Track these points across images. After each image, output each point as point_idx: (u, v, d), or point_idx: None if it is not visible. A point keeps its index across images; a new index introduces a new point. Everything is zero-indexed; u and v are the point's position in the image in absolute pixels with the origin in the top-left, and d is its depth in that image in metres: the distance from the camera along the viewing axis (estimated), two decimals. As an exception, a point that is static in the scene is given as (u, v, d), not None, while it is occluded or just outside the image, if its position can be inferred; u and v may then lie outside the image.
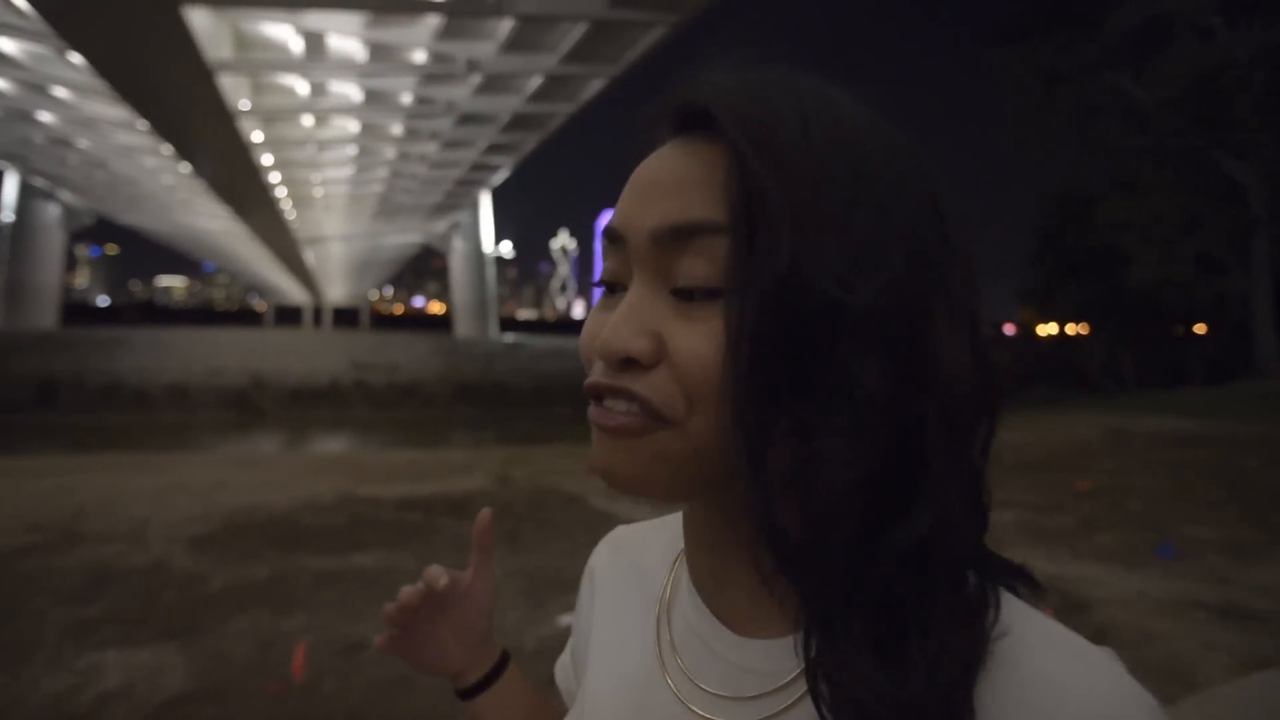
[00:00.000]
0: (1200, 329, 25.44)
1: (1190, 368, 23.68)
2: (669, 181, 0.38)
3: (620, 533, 0.59)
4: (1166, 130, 18.72)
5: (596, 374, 0.39)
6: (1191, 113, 18.04)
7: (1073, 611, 3.46)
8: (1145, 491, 6.25)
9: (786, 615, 0.39)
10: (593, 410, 0.40)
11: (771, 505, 0.35)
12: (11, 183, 32.70)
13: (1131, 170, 19.62)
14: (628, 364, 0.38)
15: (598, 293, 0.43)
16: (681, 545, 0.50)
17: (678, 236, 0.37)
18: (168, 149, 20.12)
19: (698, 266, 0.37)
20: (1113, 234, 19.38)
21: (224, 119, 16.32)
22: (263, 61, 15.88)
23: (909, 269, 0.36)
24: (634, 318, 0.38)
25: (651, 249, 0.38)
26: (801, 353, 0.35)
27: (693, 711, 0.43)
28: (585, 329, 0.41)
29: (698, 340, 0.37)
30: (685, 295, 0.38)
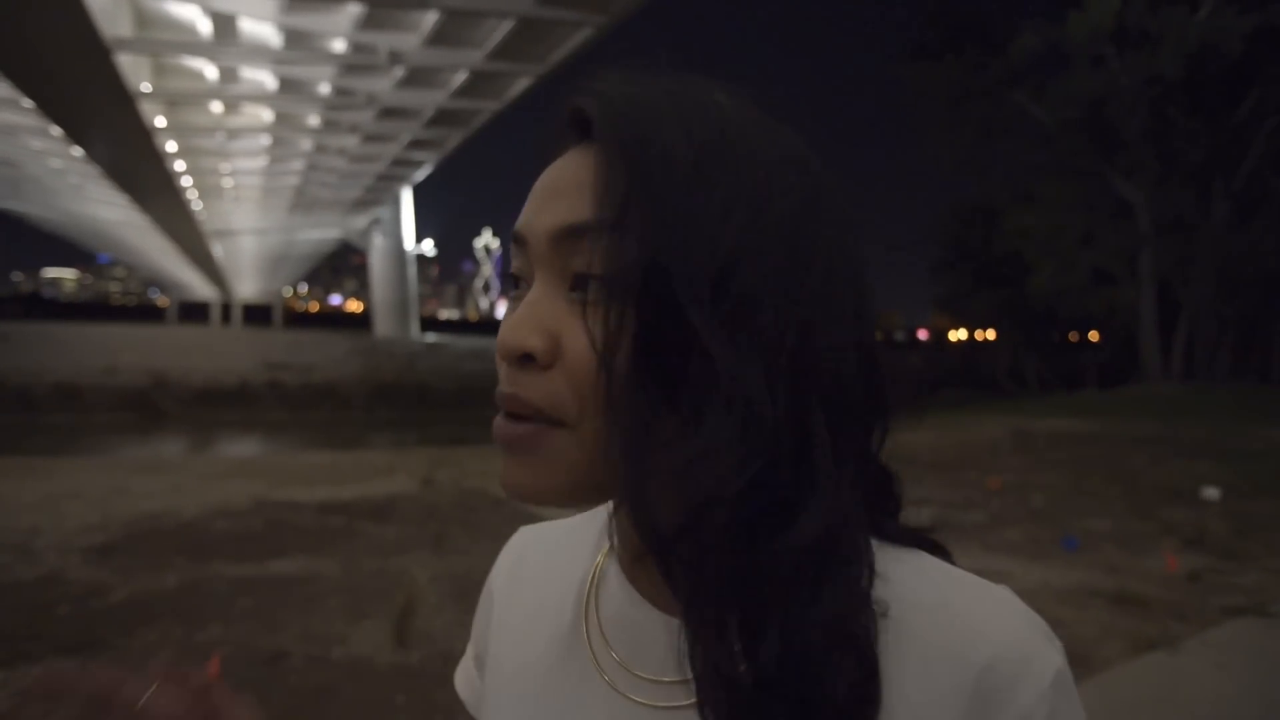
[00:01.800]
0: (1094, 336, 27.31)
1: (1085, 372, 25.39)
2: (562, 186, 0.40)
3: (526, 534, 0.58)
4: (1064, 149, 20.04)
5: (502, 383, 0.40)
6: (1086, 133, 19.38)
7: (986, 601, 3.64)
8: (1047, 488, 6.65)
9: None
10: (496, 424, 0.40)
11: (648, 507, 0.36)
12: (-127, 161, 29.67)
13: (1034, 185, 20.92)
14: (526, 361, 0.39)
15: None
16: (601, 538, 0.51)
17: (569, 236, 0.38)
18: (57, 131, 18.71)
19: (587, 259, 0.38)
20: (1017, 244, 20.59)
21: (123, 101, 15.31)
22: (167, 42, 15.00)
23: (788, 266, 0.37)
24: (531, 315, 0.39)
25: (549, 250, 0.39)
26: (677, 351, 0.35)
27: (633, 701, 0.43)
28: (500, 329, 0.42)
29: (586, 338, 0.37)
30: (580, 286, 0.38)
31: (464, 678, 0.58)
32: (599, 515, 0.53)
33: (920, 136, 22.48)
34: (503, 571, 0.56)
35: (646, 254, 0.35)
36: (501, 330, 0.39)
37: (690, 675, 0.37)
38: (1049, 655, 0.37)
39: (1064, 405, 14.76)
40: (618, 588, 0.46)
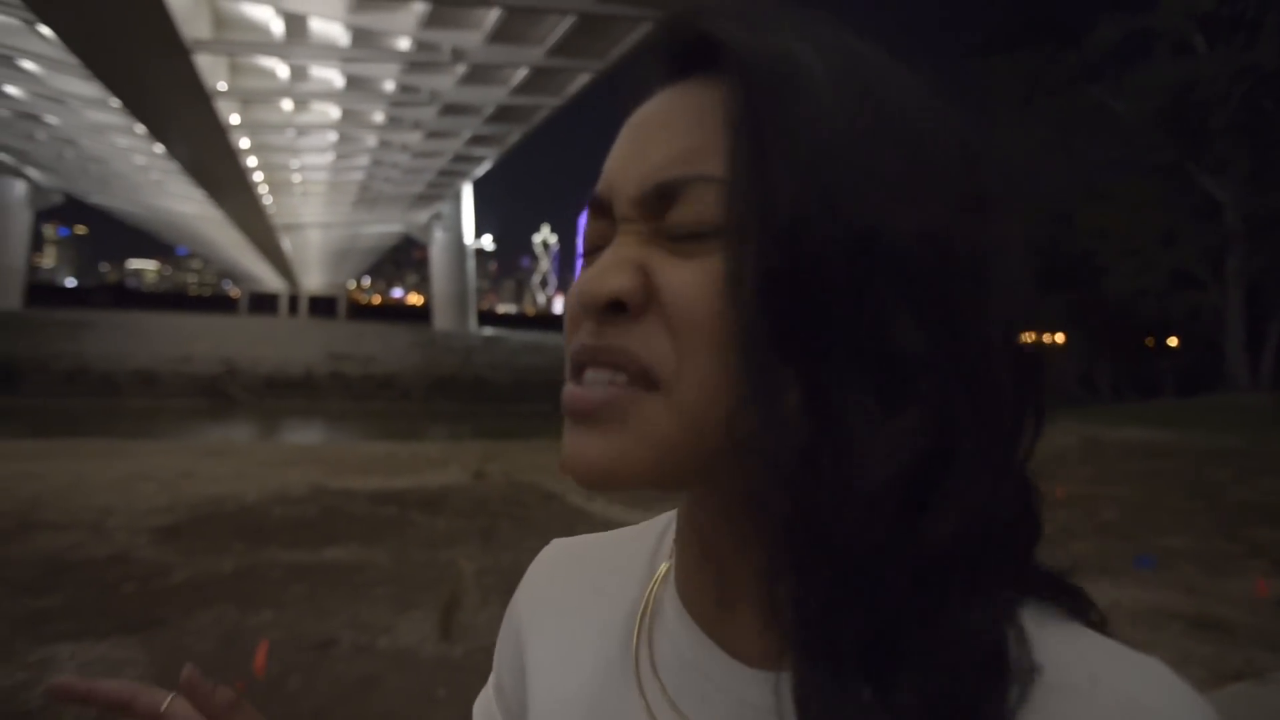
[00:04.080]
0: (1173, 341, 25.96)
1: (1163, 380, 24.15)
2: (655, 134, 0.34)
3: (558, 549, 0.50)
4: (1145, 144, 19.05)
5: (583, 335, 0.34)
6: (1169, 127, 18.37)
7: (1052, 620, 3.46)
8: (1119, 501, 6.31)
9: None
10: (567, 392, 0.34)
11: (787, 488, 0.29)
12: (-23, 158, 31.79)
13: (1111, 182, 19.97)
14: (613, 312, 0.32)
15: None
16: (654, 559, 0.44)
17: (664, 195, 0.33)
18: (141, 128, 19.66)
19: (693, 212, 0.32)
20: (1091, 244, 19.68)
21: (200, 100, 15.95)
22: (242, 42, 15.57)
23: (950, 217, 0.31)
24: (618, 259, 0.33)
25: (638, 213, 0.34)
26: (821, 298, 0.30)
27: None
28: (577, 282, 0.35)
29: (691, 276, 0.31)
30: (676, 238, 0.33)
31: (482, 708, 0.50)
32: (649, 531, 0.46)
33: (988, 134, 21.69)
34: (532, 592, 0.49)
35: (787, 199, 0.30)
36: (580, 281, 0.33)
37: None
38: None
39: (1139, 414, 14.03)
40: (677, 625, 0.39)
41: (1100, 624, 0.35)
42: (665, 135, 0.33)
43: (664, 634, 0.40)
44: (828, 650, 0.30)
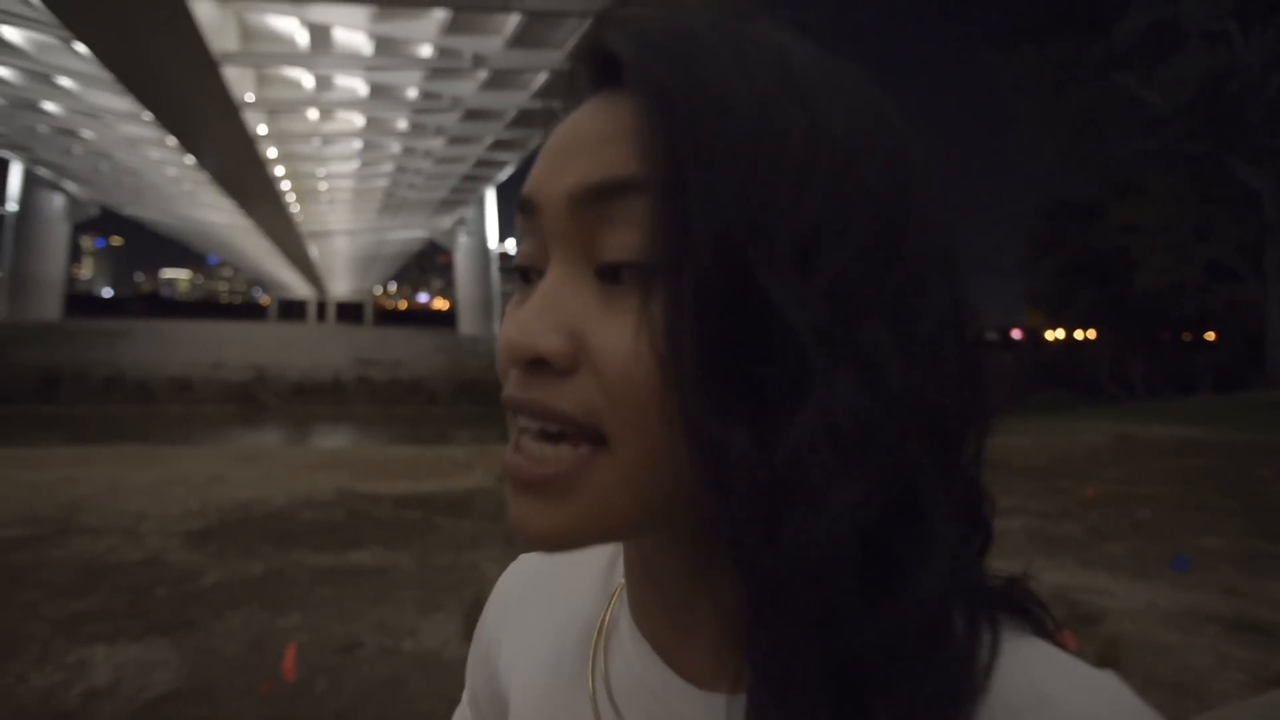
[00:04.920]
0: (1210, 336, 25.31)
1: (1199, 375, 23.55)
2: (587, 138, 0.32)
3: (525, 564, 0.49)
4: (1178, 134, 18.61)
5: (509, 385, 0.32)
6: (1203, 117, 17.93)
7: (1082, 623, 3.39)
8: (1154, 500, 6.16)
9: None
10: (507, 458, 0.32)
11: (742, 540, 0.28)
12: (16, 173, 32.73)
13: (1140, 174, 19.54)
14: (538, 366, 0.31)
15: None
16: (612, 574, 0.43)
17: (599, 198, 0.30)
18: (172, 141, 20.07)
19: (624, 236, 0.30)
20: (1122, 238, 19.27)
21: (229, 111, 16.26)
22: (268, 54, 15.83)
23: (880, 241, 0.29)
24: (547, 309, 0.31)
25: (569, 219, 0.31)
26: (751, 350, 0.28)
27: None
28: (501, 332, 0.33)
29: (623, 336, 0.29)
30: (611, 275, 0.30)
31: None
32: (608, 546, 0.44)
33: (1015, 127, 21.33)
34: (498, 607, 0.49)
35: (715, 225, 0.27)
36: (506, 325, 0.31)
37: None
38: None
39: (1174, 410, 13.69)
40: (631, 645, 0.38)
41: (1054, 633, 0.33)
42: (595, 141, 0.31)
43: (618, 652, 0.39)
44: (784, 682, 0.28)
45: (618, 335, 0.29)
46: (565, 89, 0.36)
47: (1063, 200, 23.45)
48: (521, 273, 0.34)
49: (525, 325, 0.31)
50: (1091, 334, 26.08)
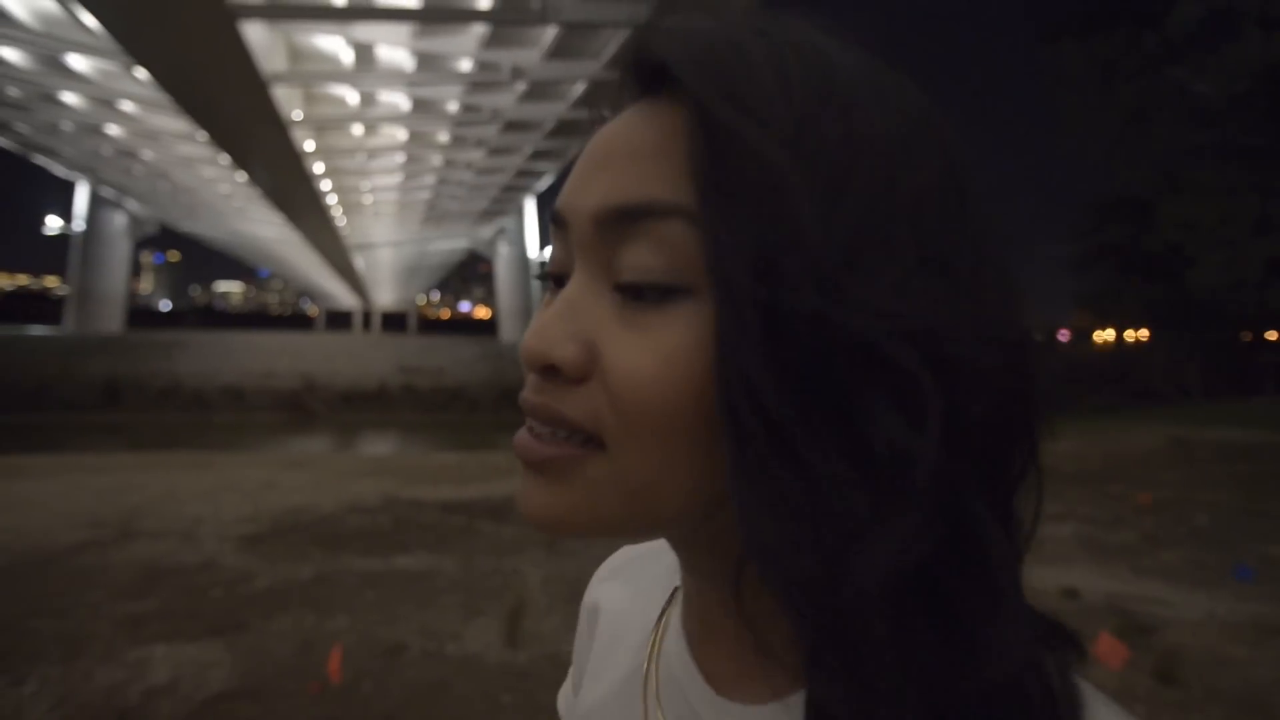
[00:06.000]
0: (1271, 335, 24.25)
1: (1261, 376, 22.57)
2: (619, 152, 0.32)
3: (621, 555, 0.51)
4: (1235, 127, 17.91)
5: (526, 388, 0.33)
6: (1261, 108, 17.23)
7: (1137, 634, 3.28)
8: (1213, 506, 5.94)
9: (773, 677, 0.33)
10: (518, 437, 0.33)
11: (778, 565, 0.27)
12: (83, 193, 34.29)
13: (1193, 169, 18.84)
14: (551, 373, 0.31)
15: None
16: (677, 572, 0.43)
17: (624, 219, 0.30)
18: (225, 159, 20.80)
19: (646, 257, 0.30)
20: (1176, 235, 18.59)
21: (278, 129, 16.79)
22: (315, 73, 16.32)
23: (922, 265, 0.28)
24: (565, 318, 0.31)
25: (594, 235, 0.31)
26: (792, 380, 0.27)
27: None
28: (528, 330, 0.34)
29: (641, 355, 0.29)
30: (633, 294, 0.30)
31: (564, 699, 0.53)
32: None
33: (1063, 125, 20.77)
34: (592, 594, 0.51)
35: (747, 246, 0.27)
36: (527, 332, 0.32)
37: None
38: None
39: (1235, 413, 13.17)
40: (674, 641, 0.39)
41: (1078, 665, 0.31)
42: (627, 155, 0.31)
43: (668, 651, 0.40)
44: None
45: (633, 351, 0.30)
46: (611, 97, 0.36)
47: (1112, 197, 22.76)
48: (555, 279, 0.35)
49: (544, 332, 0.31)
50: (1144, 334, 25.21)
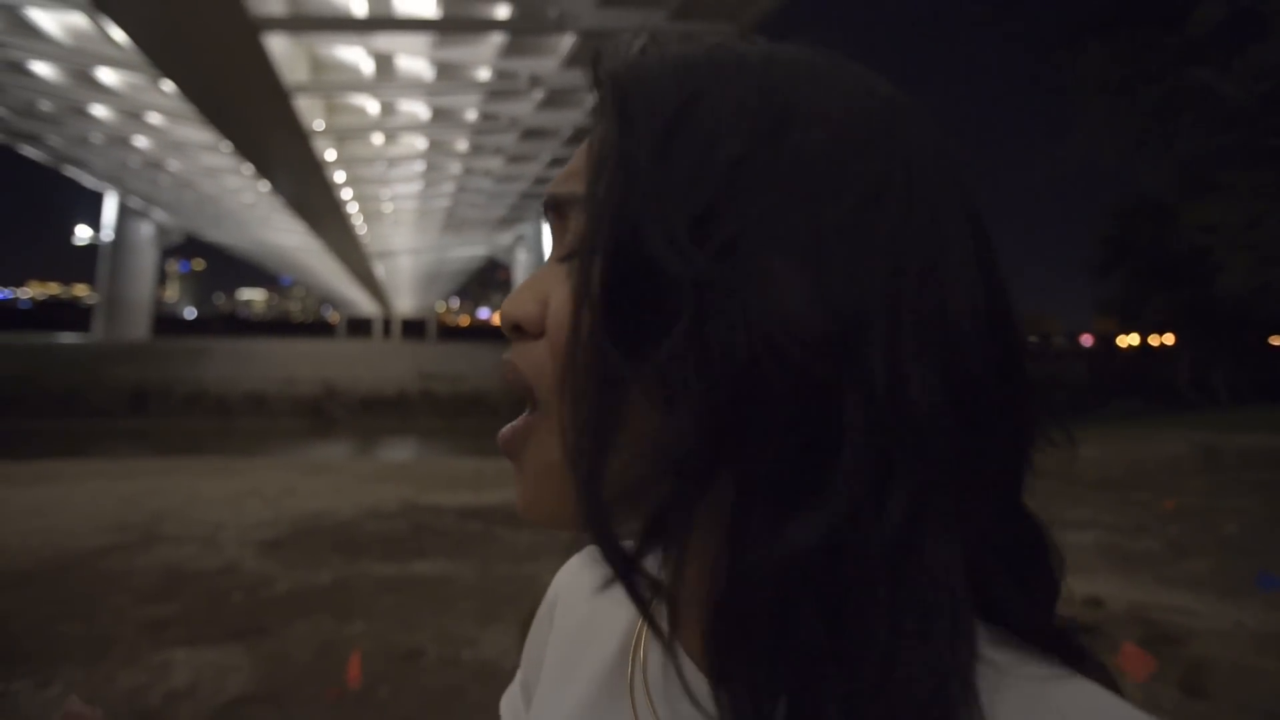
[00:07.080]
0: (1302, 340, 23.77)
1: (1290, 382, 22.11)
2: (579, 153, 0.37)
3: (591, 550, 0.51)
4: (1261, 128, 17.61)
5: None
6: (1288, 109, 16.93)
7: (1162, 644, 3.22)
8: (1241, 514, 5.82)
9: None
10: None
11: (600, 513, 0.29)
12: (111, 203, 35.01)
13: (1215, 172, 18.53)
14: (518, 333, 0.36)
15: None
16: None
17: (559, 206, 0.37)
18: (249, 168, 21.14)
19: (570, 234, 0.36)
20: (1199, 239, 18.30)
21: (300, 139, 17.05)
22: (336, 83, 16.56)
23: (760, 230, 0.28)
24: (531, 284, 0.36)
25: (554, 219, 0.37)
26: (648, 315, 0.29)
27: None
28: None
29: (561, 297, 0.33)
30: (562, 259, 0.36)
31: (508, 704, 0.52)
32: None
33: (1078, 129, 20.52)
34: (557, 590, 0.50)
35: (614, 201, 0.30)
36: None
37: None
38: None
39: (1262, 419, 12.90)
40: (667, 645, 0.40)
41: (1108, 680, 0.30)
42: (569, 168, 0.37)
43: (655, 646, 0.40)
44: (745, 683, 0.29)
45: (560, 296, 0.34)
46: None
47: (1133, 201, 22.44)
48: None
49: (514, 297, 0.36)
50: (1168, 339, 24.80)
